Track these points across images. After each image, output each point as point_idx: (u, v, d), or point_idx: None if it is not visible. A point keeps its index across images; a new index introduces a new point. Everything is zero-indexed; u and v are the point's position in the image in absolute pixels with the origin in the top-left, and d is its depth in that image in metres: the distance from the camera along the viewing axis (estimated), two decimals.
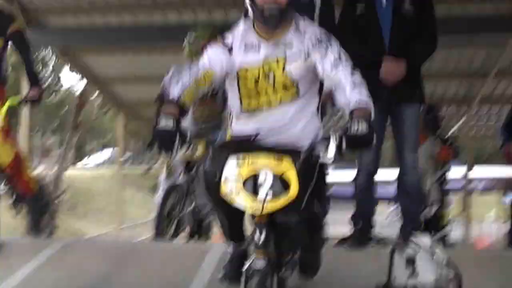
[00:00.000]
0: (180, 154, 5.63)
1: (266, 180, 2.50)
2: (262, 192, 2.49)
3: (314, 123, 3.02)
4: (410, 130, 4.38)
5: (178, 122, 2.60)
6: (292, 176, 2.50)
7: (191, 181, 5.63)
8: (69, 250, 4.45)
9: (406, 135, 4.36)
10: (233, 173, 2.55)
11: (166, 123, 2.58)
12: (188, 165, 5.63)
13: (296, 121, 2.96)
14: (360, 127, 2.49)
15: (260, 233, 2.55)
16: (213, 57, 2.93)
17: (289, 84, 2.93)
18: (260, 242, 2.55)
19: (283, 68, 2.92)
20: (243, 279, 2.55)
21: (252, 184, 2.52)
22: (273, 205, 2.48)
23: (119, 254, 4.30)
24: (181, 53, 9.36)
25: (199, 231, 5.84)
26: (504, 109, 10.81)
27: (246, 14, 4.65)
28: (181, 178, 5.58)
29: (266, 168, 2.53)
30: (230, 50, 2.97)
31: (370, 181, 4.48)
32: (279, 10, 2.82)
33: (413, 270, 2.57)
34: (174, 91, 2.75)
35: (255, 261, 2.54)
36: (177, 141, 2.57)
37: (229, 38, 3.01)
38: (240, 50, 2.96)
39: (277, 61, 2.93)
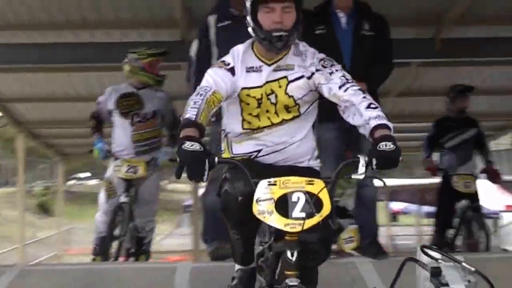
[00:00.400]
0: (122, 173, 5.60)
1: (299, 200, 2.56)
2: (296, 212, 2.54)
3: (309, 140, 3.14)
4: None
5: (202, 144, 2.58)
6: (324, 196, 2.58)
7: (132, 201, 5.61)
8: (27, 276, 4.25)
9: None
10: (265, 193, 2.58)
11: (193, 146, 2.54)
12: (129, 185, 5.61)
13: (294, 138, 3.07)
14: (388, 147, 2.63)
15: (292, 251, 2.61)
16: (217, 80, 2.94)
17: (291, 105, 3.02)
18: (294, 261, 2.61)
19: (286, 90, 3.01)
20: None
21: (284, 204, 2.55)
22: (308, 223, 2.55)
23: (82, 279, 4.15)
24: (87, 73, 9.22)
25: (138, 250, 5.82)
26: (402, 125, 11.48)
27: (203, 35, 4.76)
28: (123, 198, 5.54)
29: (299, 189, 2.58)
30: (232, 72, 3.01)
31: None
32: (286, 35, 2.91)
33: (441, 281, 2.70)
34: (192, 113, 2.73)
35: (290, 280, 2.58)
36: (206, 164, 2.58)
37: (230, 60, 3.05)
38: (242, 73, 3.01)
39: (279, 83, 3.01)
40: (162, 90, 5.85)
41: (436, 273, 2.68)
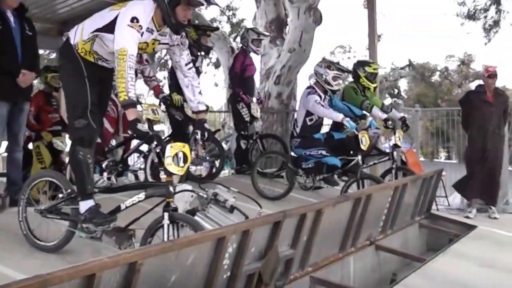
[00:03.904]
0: None
1: (181, 157, 4.29)
2: (181, 163, 4.27)
3: None
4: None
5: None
6: (188, 153, 4.39)
7: None
8: None
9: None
10: (168, 152, 4.17)
11: (144, 127, 4.30)
12: None
13: None
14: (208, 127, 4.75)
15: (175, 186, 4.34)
16: (136, 45, 4.33)
17: (150, 52, 5.19)
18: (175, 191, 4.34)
19: (154, 47, 4.69)
20: None
21: (174, 158, 4.18)
22: (184, 169, 4.34)
23: None
24: None
25: None
26: None
27: None
28: None
29: (180, 150, 4.22)
30: (141, 35, 4.35)
31: None
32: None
33: (219, 199, 4.77)
34: (133, 93, 4.20)
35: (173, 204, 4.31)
36: None
37: (143, 24, 4.31)
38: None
39: (154, 41, 4.57)
40: None
41: (215, 195, 4.84)
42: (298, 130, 8.04)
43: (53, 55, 16.54)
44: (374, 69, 8.53)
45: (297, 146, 8.05)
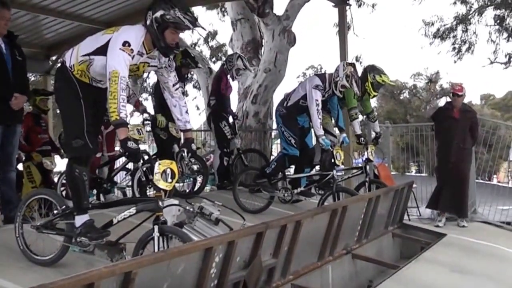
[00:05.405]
0: None
1: (169, 173, 4.57)
2: (168, 179, 4.54)
3: None
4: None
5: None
6: (176, 170, 4.67)
7: None
8: None
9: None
10: (157, 168, 4.47)
11: (134, 145, 4.51)
12: None
13: None
14: (194, 147, 5.06)
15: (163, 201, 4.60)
16: (127, 68, 4.54)
17: (139, 74, 5.04)
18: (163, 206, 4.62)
19: (144, 68, 4.95)
20: None
21: (162, 174, 4.48)
22: (172, 185, 4.60)
23: None
24: None
25: None
26: None
27: None
28: None
29: (168, 166, 4.51)
30: (132, 58, 4.62)
31: None
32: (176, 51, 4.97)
33: (205, 212, 5.03)
34: (124, 113, 4.43)
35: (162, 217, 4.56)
36: None
37: (134, 48, 4.56)
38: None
39: (144, 64, 4.86)
40: None
41: (201, 208, 5.12)
42: (289, 103, 8.31)
43: (33, 78, 16.76)
44: (383, 80, 8.66)
45: (281, 115, 8.37)
